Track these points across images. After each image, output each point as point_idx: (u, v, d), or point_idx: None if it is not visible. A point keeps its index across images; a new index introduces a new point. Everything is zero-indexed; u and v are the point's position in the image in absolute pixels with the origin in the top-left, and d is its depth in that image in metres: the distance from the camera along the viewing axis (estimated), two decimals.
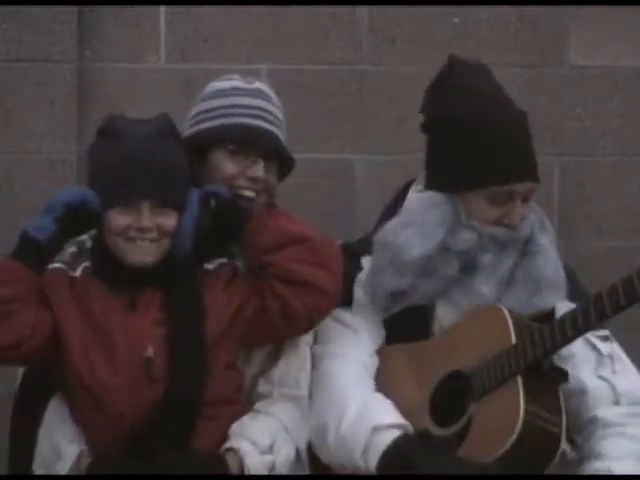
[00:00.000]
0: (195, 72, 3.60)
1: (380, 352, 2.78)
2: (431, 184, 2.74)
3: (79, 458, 2.62)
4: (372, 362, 2.77)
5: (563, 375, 2.59)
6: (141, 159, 2.62)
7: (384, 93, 3.90)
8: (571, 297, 2.72)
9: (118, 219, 2.62)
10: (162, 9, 3.80)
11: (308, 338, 2.77)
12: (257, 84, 2.87)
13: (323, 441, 2.64)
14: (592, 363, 2.69)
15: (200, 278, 2.71)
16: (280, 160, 2.81)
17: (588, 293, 2.70)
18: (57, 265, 2.71)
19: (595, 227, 3.98)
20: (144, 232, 2.62)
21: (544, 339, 2.54)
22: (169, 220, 2.64)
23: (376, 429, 2.57)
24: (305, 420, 2.71)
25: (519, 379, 2.54)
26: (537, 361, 2.55)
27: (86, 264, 2.72)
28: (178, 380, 2.61)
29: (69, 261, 2.77)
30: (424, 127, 2.77)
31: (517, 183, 2.65)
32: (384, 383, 2.76)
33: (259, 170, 2.75)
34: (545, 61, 3.97)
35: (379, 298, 2.72)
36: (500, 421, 2.55)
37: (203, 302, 2.67)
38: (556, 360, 2.60)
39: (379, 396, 2.69)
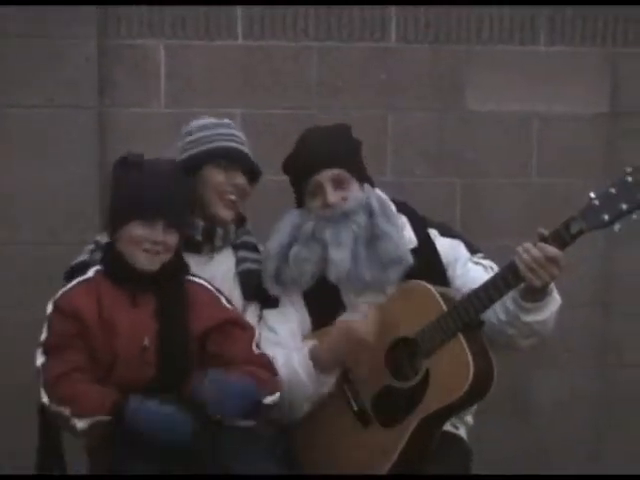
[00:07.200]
0: (186, 115, 3.68)
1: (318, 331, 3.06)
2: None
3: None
4: (300, 328, 3.09)
5: (482, 323, 2.88)
6: (160, 187, 2.80)
7: None
8: (450, 235, 3.10)
9: (136, 230, 2.78)
10: (162, 66, 4.14)
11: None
12: (225, 119, 3.31)
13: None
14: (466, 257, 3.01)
15: (187, 287, 2.88)
16: (250, 171, 3.22)
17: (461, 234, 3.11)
18: (79, 280, 2.88)
19: (486, 230, 4.27)
20: (156, 245, 2.78)
21: (473, 304, 2.79)
22: (173, 238, 2.82)
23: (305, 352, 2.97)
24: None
25: (459, 334, 2.79)
26: (471, 320, 2.80)
27: (98, 267, 2.92)
28: (166, 364, 2.80)
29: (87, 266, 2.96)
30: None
31: (315, 175, 3.02)
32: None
33: (240, 178, 3.19)
34: (448, 107, 4.30)
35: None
36: (454, 370, 2.74)
37: (188, 307, 2.83)
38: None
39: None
